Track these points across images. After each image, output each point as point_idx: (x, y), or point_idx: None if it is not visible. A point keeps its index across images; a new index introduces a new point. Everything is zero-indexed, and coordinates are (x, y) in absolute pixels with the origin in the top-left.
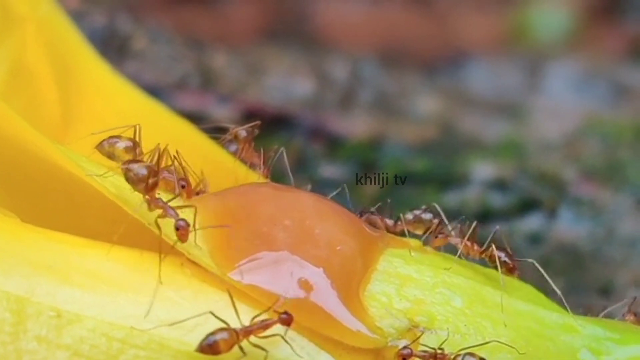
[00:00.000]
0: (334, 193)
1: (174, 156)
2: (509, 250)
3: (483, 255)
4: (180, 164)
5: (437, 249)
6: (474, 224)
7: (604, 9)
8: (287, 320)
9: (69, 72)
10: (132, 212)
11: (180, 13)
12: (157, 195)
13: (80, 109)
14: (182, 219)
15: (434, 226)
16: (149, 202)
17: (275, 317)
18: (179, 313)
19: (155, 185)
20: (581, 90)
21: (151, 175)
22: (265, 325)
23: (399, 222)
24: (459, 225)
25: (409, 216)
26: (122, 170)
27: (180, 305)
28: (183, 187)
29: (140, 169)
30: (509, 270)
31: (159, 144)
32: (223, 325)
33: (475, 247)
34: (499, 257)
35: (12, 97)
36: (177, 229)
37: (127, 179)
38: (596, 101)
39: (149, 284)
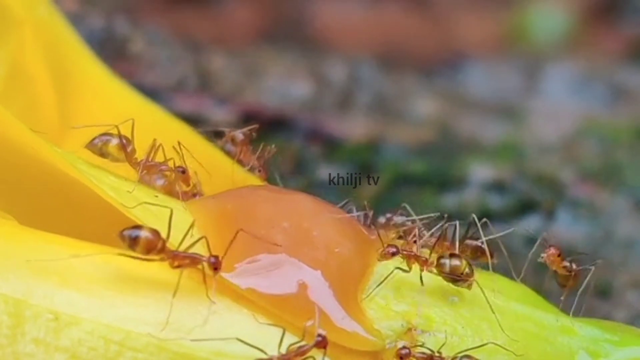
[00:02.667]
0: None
1: (174, 147)
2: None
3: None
4: (180, 156)
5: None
6: (450, 225)
7: (602, 10)
8: (322, 342)
9: (66, 74)
10: (129, 215)
11: (177, 15)
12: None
13: (78, 111)
14: (213, 256)
15: (408, 229)
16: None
17: (311, 341)
18: (177, 315)
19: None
20: (579, 92)
21: None
22: (301, 352)
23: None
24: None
25: (382, 219)
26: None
27: (178, 308)
28: (183, 172)
29: None
30: (482, 253)
31: (155, 139)
32: (223, 326)
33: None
34: (471, 245)
35: (9, 99)
36: (214, 268)
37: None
38: (594, 103)
39: (146, 286)
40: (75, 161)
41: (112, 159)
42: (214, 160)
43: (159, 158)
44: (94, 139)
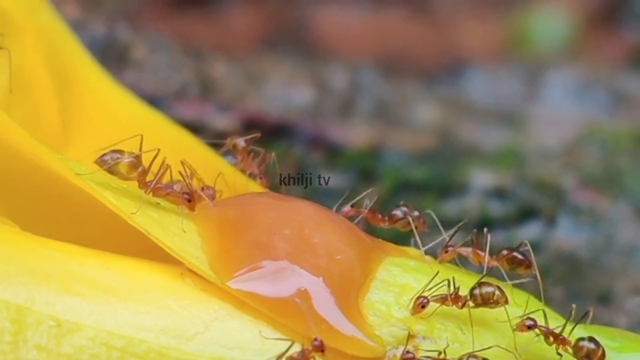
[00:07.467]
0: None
1: (183, 171)
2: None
3: (494, 262)
4: (189, 173)
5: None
6: (485, 233)
7: (603, 17)
8: (320, 346)
9: (68, 81)
10: (131, 221)
11: (179, 22)
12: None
13: (80, 118)
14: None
15: (411, 223)
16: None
17: (309, 346)
18: (178, 322)
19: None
20: (580, 99)
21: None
22: (303, 357)
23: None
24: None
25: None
26: None
27: (179, 315)
28: (189, 200)
29: None
30: (526, 267)
31: (165, 158)
32: (224, 333)
33: (485, 255)
34: (515, 257)
35: (11, 106)
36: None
37: None
38: (595, 109)
39: (148, 292)
40: (77, 168)
41: (121, 177)
42: (215, 167)
43: (168, 177)
44: (104, 155)
